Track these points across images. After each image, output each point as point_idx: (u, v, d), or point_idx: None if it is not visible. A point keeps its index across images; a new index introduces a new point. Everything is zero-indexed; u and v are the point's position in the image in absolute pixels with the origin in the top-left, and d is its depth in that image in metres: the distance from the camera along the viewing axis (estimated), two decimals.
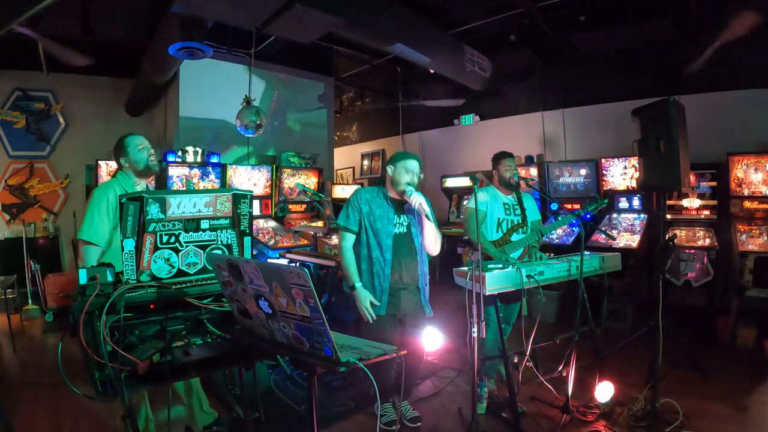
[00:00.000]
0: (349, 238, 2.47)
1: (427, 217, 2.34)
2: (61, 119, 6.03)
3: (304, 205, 5.75)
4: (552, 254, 3.02)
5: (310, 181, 5.81)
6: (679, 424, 2.44)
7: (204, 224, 1.62)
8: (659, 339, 2.64)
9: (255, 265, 1.25)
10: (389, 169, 2.49)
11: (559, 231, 4.76)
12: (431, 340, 2.50)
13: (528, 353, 2.51)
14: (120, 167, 2.28)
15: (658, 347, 2.63)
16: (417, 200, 2.33)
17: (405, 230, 2.49)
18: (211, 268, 1.57)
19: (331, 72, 6.97)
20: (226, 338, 1.55)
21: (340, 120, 8.79)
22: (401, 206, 2.51)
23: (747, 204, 4.06)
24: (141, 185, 2.29)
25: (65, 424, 2.64)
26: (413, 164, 2.45)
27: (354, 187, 6.92)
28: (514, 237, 2.95)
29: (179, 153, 4.93)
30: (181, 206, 1.56)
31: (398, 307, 2.44)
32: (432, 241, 2.51)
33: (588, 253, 2.71)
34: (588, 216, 3.02)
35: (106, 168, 4.70)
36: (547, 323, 4.18)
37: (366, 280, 2.44)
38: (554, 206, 5.08)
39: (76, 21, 4.47)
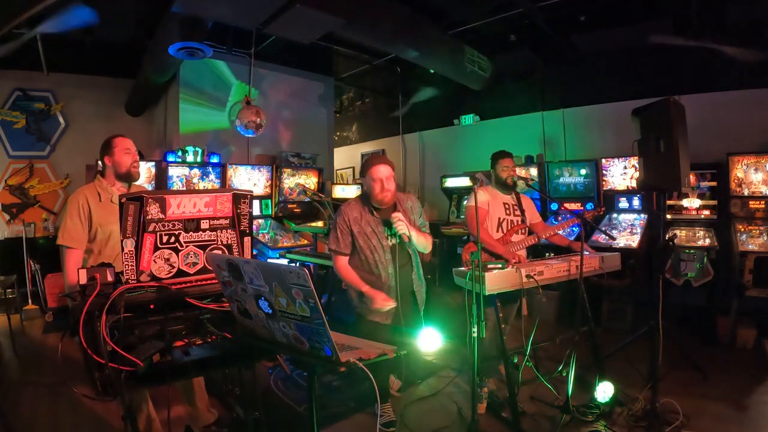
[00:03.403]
0: (344, 260, 2.39)
1: (409, 239, 2.27)
2: (61, 119, 6.02)
3: (304, 205, 5.75)
4: (552, 254, 3.02)
5: (310, 181, 5.81)
6: (679, 424, 2.44)
7: (204, 224, 1.62)
8: (659, 339, 2.64)
9: (255, 265, 1.25)
10: (363, 182, 2.37)
11: (560, 231, 4.76)
12: (430, 339, 2.50)
13: (528, 353, 2.51)
14: (102, 168, 2.26)
15: (658, 347, 2.63)
16: (400, 229, 2.24)
17: (399, 240, 2.37)
18: (211, 268, 1.57)
19: (331, 72, 6.97)
20: (226, 338, 1.55)
21: (340, 120, 8.78)
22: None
23: (748, 204, 4.06)
24: (117, 190, 2.24)
25: (65, 424, 2.64)
26: (382, 170, 2.29)
27: (354, 187, 6.93)
28: (515, 238, 2.95)
29: (179, 153, 4.93)
30: (181, 206, 1.56)
31: (402, 315, 2.37)
32: (423, 246, 2.44)
33: (588, 252, 2.71)
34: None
35: None
36: (547, 323, 4.18)
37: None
38: (554, 206, 5.08)
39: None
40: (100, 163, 2.27)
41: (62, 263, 2.15)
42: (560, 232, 3.13)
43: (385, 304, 2.24)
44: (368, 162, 2.37)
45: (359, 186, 7.10)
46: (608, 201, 4.86)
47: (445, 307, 4.47)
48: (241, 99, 4.80)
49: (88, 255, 2.18)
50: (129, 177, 2.25)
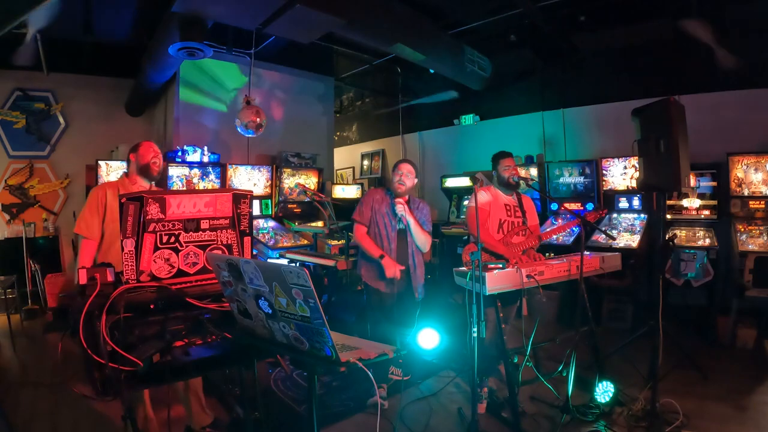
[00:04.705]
0: (363, 229, 2.92)
1: (407, 222, 2.84)
2: (61, 119, 6.02)
3: (304, 205, 5.75)
4: (552, 254, 3.02)
5: (310, 181, 5.81)
6: (679, 424, 2.44)
7: (204, 224, 1.62)
8: (659, 339, 2.64)
9: (255, 265, 1.25)
10: (392, 174, 2.94)
11: (560, 233, 4.75)
12: (429, 339, 2.50)
13: (528, 353, 2.51)
14: (127, 167, 2.47)
15: (658, 347, 2.63)
16: (398, 210, 2.81)
17: (404, 226, 2.92)
18: (211, 268, 1.57)
19: (331, 72, 6.97)
20: (226, 338, 1.55)
21: (340, 120, 8.78)
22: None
23: (748, 204, 4.07)
24: (139, 186, 2.38)
25: (65, 424, 2.64)
26: (403, 167, 2.91)
27: (354, 187, 6.93)
28: (515, 239, 2.95)
29: (179, 153, 4.93)
30: (181, 206, 1.56)
31: (395, 286, 2.88)
32: (421, 242, 2.93)
33: (588, 252, 2.71)
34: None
35: (106, 168, 4.70)
36: (547, 323, 4.18)
37: (376, 265, 2.84)
38: (554, 206, 5.08)
39: (76, 21, 4.47)
40: (126, 164, 2.49)
41: (77, 251, 2.28)
42: (560, 233, 3.13)
43: (394, 271, 2.78)
44: (398, 161, 3.01)
45: (359, 186, 7.13)
46: (608, 201, 4.86)
47: (445, 306, 4.47)
48: (241, 99, 4.79)
49: (96, 252, 2.23)
50: (147, 170, 2.39)
